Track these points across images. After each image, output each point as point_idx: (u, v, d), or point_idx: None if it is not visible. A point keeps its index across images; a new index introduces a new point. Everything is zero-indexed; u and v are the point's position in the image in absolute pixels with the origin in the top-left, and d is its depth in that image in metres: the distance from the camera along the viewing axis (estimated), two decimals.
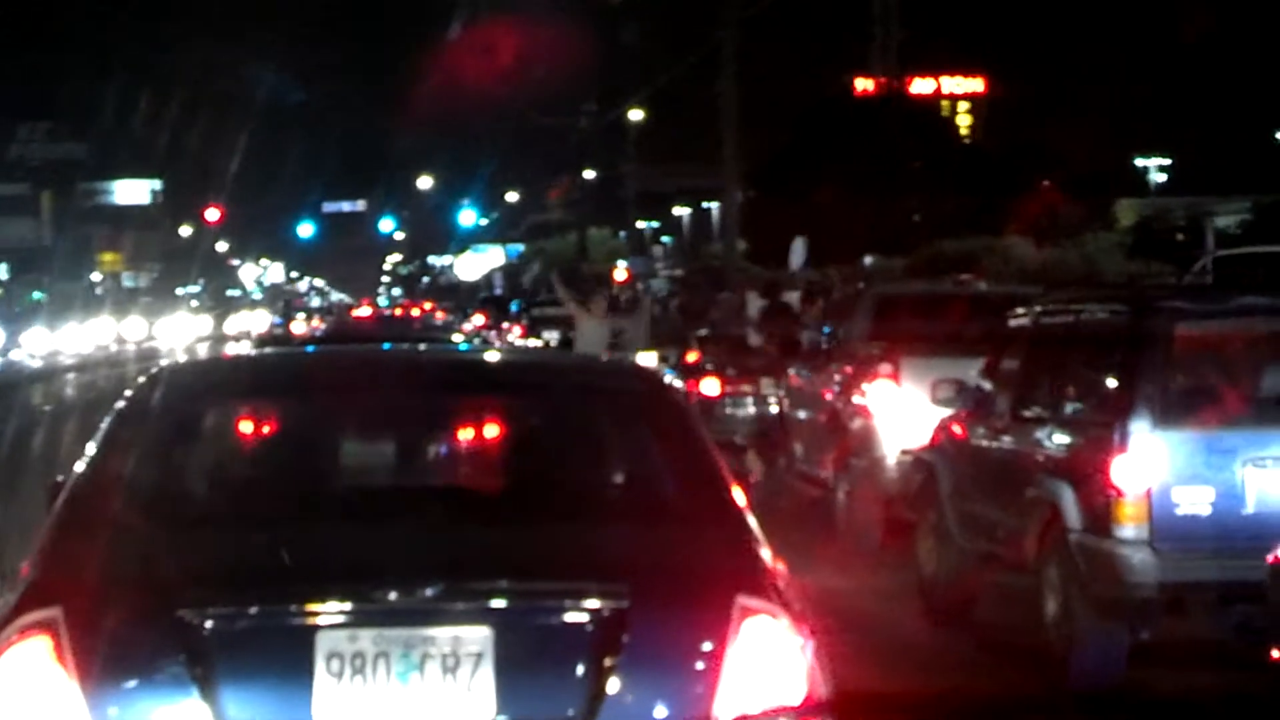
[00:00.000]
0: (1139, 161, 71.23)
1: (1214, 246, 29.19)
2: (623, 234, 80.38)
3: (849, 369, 16.17)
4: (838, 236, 51.89)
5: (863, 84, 69.75)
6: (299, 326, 64.35)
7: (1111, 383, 10.12)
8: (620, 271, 64.77)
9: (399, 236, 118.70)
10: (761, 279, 40.30)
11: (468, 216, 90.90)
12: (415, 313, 65.24)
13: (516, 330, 46.61)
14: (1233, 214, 62.25)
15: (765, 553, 5.72)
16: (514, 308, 57.31)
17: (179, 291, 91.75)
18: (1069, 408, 10.63)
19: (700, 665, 5.23)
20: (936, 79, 73.82)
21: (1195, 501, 9.66)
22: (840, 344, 17.02)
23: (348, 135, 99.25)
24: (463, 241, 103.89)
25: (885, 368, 14.96)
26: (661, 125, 77.98)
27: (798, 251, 35.39)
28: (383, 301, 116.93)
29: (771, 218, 54.93)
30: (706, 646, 5.25)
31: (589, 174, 78.05)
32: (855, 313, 17.07)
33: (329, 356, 8.35)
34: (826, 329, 17.89)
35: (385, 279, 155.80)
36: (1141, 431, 9.67)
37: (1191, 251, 44.63)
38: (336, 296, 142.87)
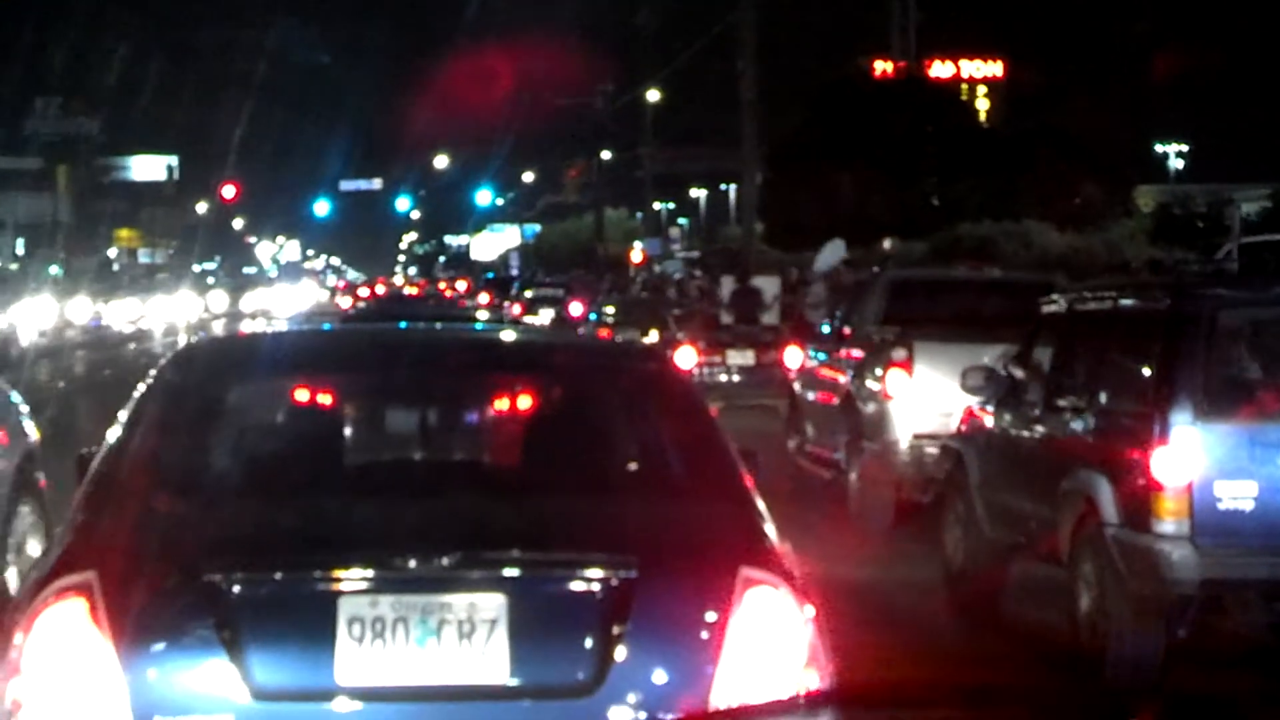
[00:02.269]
0: (1158, 148, 70.97)
1: (1240, 233, 29.02)
2: (639, 216, 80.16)
3: (862, 353, 16.20)
4: (856, 220, 51.73)
5: (881, 66, 69.58)
6: (344, 302, 65.05)
7: (1150, 372, 9.76)
8: (636, 253, 64.62)
9: (415, 215, 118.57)
10: (782, 263, 40.14)
11: (484, 196, 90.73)
12: (449, 292, 65.90)
13: (516, 308, 48.32)
14: (1253, 201, 62.09)
15: (769, 527, 5.93)
16: (516, 287, 59.80)
17: (195, 268, 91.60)
18: (1106, 398, 10.26)
19: (705, 634, 5.44)
20: (955, 62, 73.63)
21: (1238, 496, 9.31)
22: (853, 328, 17.07)
23: (365, 114, 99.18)
24: (479, 221, 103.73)
25: (899, 352, 14.93)
26: (679, 107, 77.79)
27: (832, 251, 34.75)
28: (397, 280, 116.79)
29: (789, 200, 54.77)
30: (711, 616, 5.46)
31: (605, 155, 77.78)
32: (868, 297, 17.14)
33: (353, 335, 8.64)
34: (837, 314, 18.13)
35: (401, 257, 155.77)
36: (1182, 423, 9.31)
37: (1214, 238, 44.39)
38: (353, 274, 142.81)
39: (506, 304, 52.17)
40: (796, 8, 64.53)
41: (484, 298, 57.99)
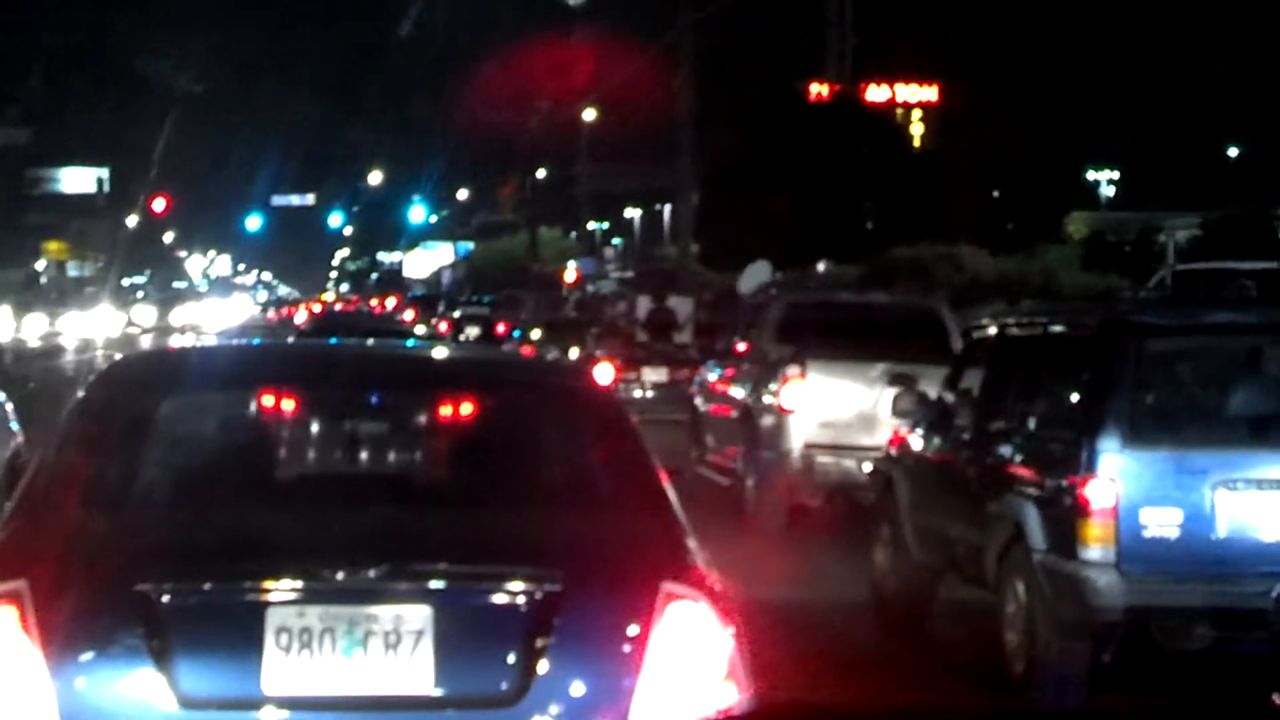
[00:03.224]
0: (1090, 175, 71.70)
1: (1175, 260, 29.60)
2: (573, 235, 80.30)
3: (758, 369, 17.44)
4: (791, 242, 51.98)
5: (817, 89, 69.83)
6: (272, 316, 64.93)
7: (1078, 399, 9.88)
8: (570, 273, 64.74)
9: (348, 231, 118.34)
10: (714, 284, 40.45)
11: (417, 213, 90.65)
12: (379, 309, 66.09)
13: (443, 325, 48.75)
14: (1183, 229, 62.77)
15: (691, 542, 6.05)
16: (443, 305, 60.56)
17: (125, 282, 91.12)
18: (1034, 423, 10.38)
19: (626, 647, 5.58)
20: (891, 86, 74.04)
21: (1164, 523, 9.43)
22: (751, 346, 18.39)
23: (298, 128, 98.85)
24: (412, 238, 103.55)
25: (793, 369, 16.17)
26: (615, 125, 77.94)
27: (755, 274, 35.21)
28: (328, 296, 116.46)
29: (725, 220, 54.66)
30: (632, 629, 5.60)
31: (541, 173, 77.88)
32: (765, 317, 18.51)
33: (282, 350, 8.95)
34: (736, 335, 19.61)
35: (334, 274, 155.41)
36: (1109, 450, 9.43)
37: (1147, 265, 44.80)
38: (284, 290, 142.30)
39: (433, 321, 52.53)
40: (734, 28, 64.74)
41: (409, 314, 58.38)
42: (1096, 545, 9.40)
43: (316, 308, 79.67)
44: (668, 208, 79.65)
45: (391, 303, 76.62)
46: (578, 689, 5.56)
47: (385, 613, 5.56)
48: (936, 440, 11.54)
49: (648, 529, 6.09)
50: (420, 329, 35.69)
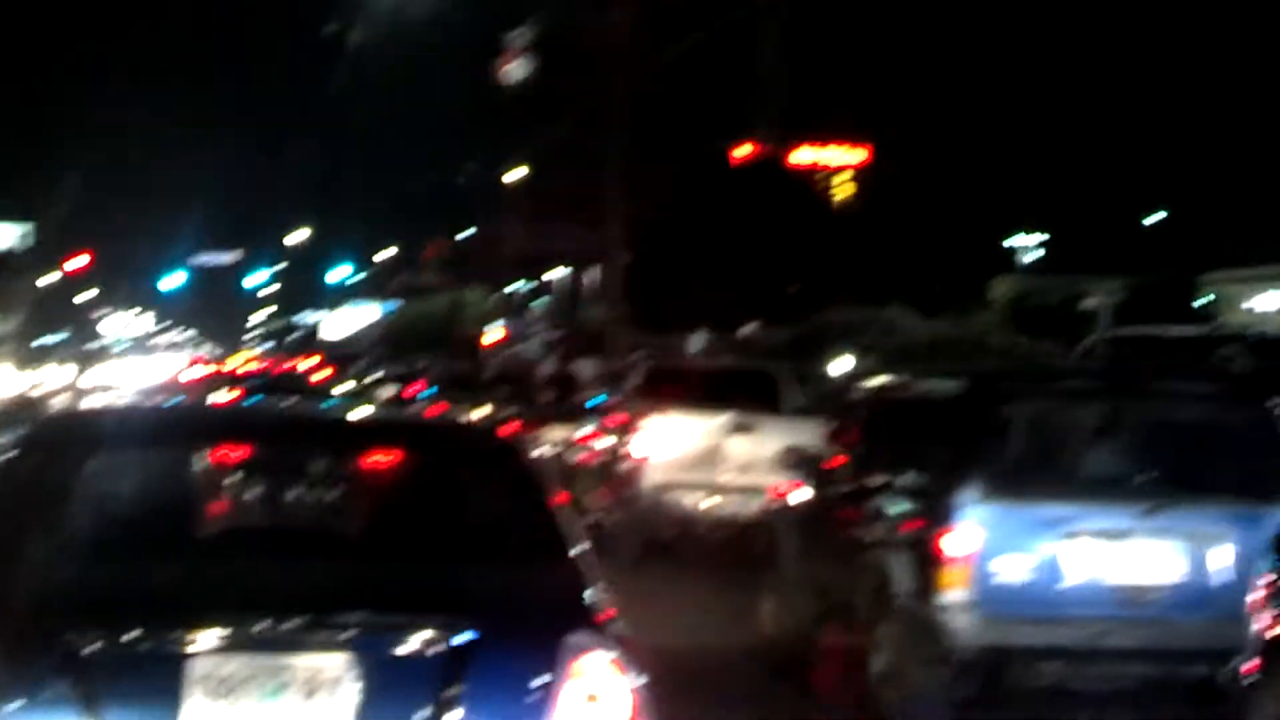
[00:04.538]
0: (1018, 239, 72.88)
1: (1110, 325, 30.94)
2: (494, 296, 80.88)
3: (621, 422, 20.01)
4: (719, 304, 52.76)
5: (742, 151, 70.72)
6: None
7: (943, 454, 10.92)
8: (495, 333, 65.25)
9: (271, 290, 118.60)
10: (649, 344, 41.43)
11: (341, 272, 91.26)
12: (294, 369, 66.54)
13: (352, 383, 49.91)
14: (1107, 294, 63.76)
15: (601, 595, 6.41)
16: (362, 365, 61.64)
17: (44, 341, 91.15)
18: (904, 477, 11.41)
19: (536, 696, 5.89)
20: (819, 147, 75.03)
21: (1016, 570, 10.45)
22: (616, 403, 21.29)
23: (223, 186, 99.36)
24: (336, 298, 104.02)
25: (644, 422, 19.16)
26: (542, 185, 78.53)
27: (697, 340, 39.01)
28: (239, 356, 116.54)
29: (653, 282, 55.83)
30: (543, 680, 5.91)
31: (466, 233, 78.59)
32: (630, 379, 21.64)
33: (205, 409, 9.21)
34: (603, 394, 23.00)
35: (257, 332, 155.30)
36: (968, 502, 10.46)
37: (1075, 329, 45.88)
38: (206, 348, 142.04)
39: (355, 381, 53.29)
40: (667, 89, 65.45)
41: (326, 373, 59.31)
42: (954, 590, 10.43)
43: (215, 368, 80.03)
44: (595, 269, 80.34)
45: (312, 362, 77.12)
46: None
47: (304, 662, 5.89)
48: (818, 492, 12.60)
49: (558, 581, 6.42)
50: (340, 388, 36.55)
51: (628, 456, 19.46)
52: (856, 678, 11.46)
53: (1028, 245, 74.66)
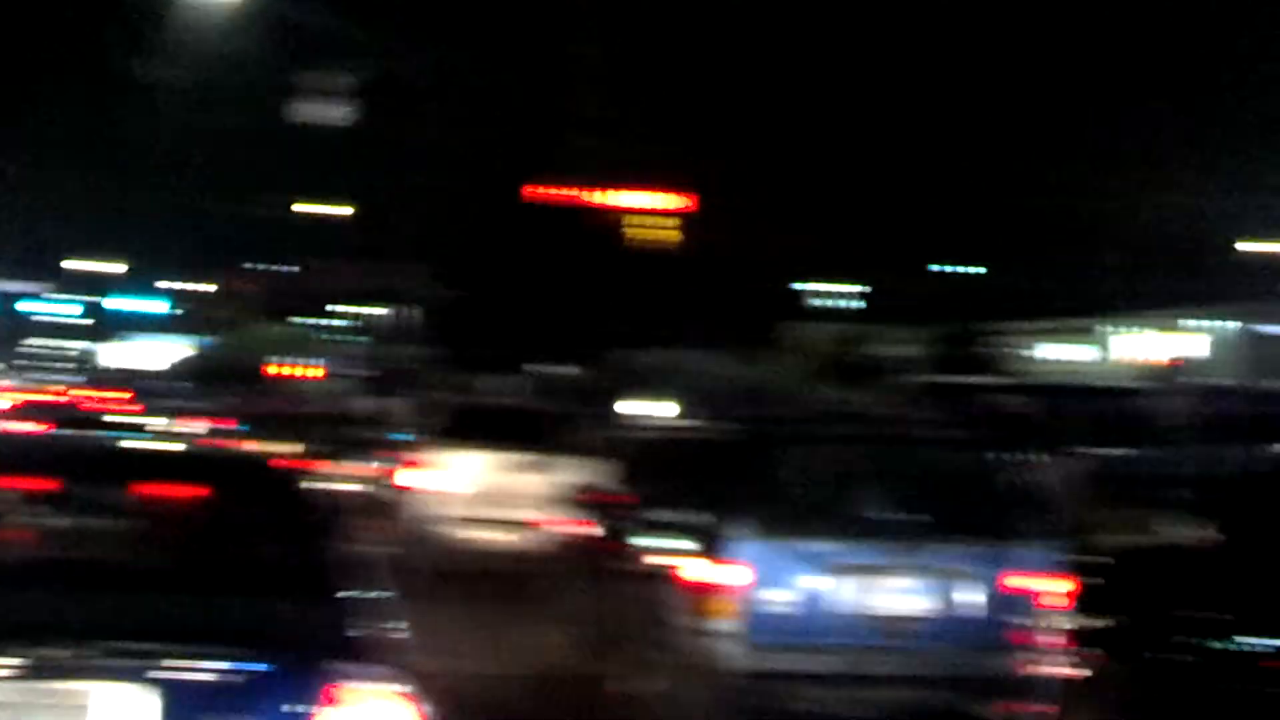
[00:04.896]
0: (821, 286, 74.51)
1: (931, 372, 32.43)
2: (311, 330, 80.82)
3: (414, 460, 22.15)
4: (533, 342, 53.50)
5: (545, 190, 71.21)
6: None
7: (718, 494, 11.82)
8: (313, 370, 65.27)
9: (84, 322, 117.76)
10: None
11: (153, 305, 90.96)
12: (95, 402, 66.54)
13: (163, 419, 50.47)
14: (900, 343, 65.43)
15: (385, 626, 6.80)
16: (170, 399, 62.61)
17: None
18: (682, 514, 12.31)
19: None
20: (636, 189, 75.59)
21: (782, 602, 11.36)
22: (414, 440, 23.07)
23: (31, 209, 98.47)
24: (148, 329, 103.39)
25: (421, 457, 21.43)
26: (359, 220, 78.81)
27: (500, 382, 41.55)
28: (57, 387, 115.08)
29: (466, 321, 56.62)
30: (324, 710, 6.21)
31: (281, 267, 78.69)
32: (426, 417, 24.07)
33: (9, 440, 9.87)
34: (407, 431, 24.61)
35: (68, 364, 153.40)
36: (739, 538, 11.36)
37: (870, 377, 47.04)
38: (9, 381, 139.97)
39: (170, 416, 53.83)
40: (477, 125, 65.88)
41: (133, 408, 60.12)
42: (726, 619, 11.31)
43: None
44: (411, 305, 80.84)
45: (119, 396, 76.86)
46: None
47: (97, 689, 6.13)
48: (604, 528, 13.48)
49: (343, 614, 6.70)
50: (151, 422, 36.94)
51: (422, 491, 20.89)
52: (642, 706, 12.29)
53: (834, 292, 76.25)
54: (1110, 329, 69.29)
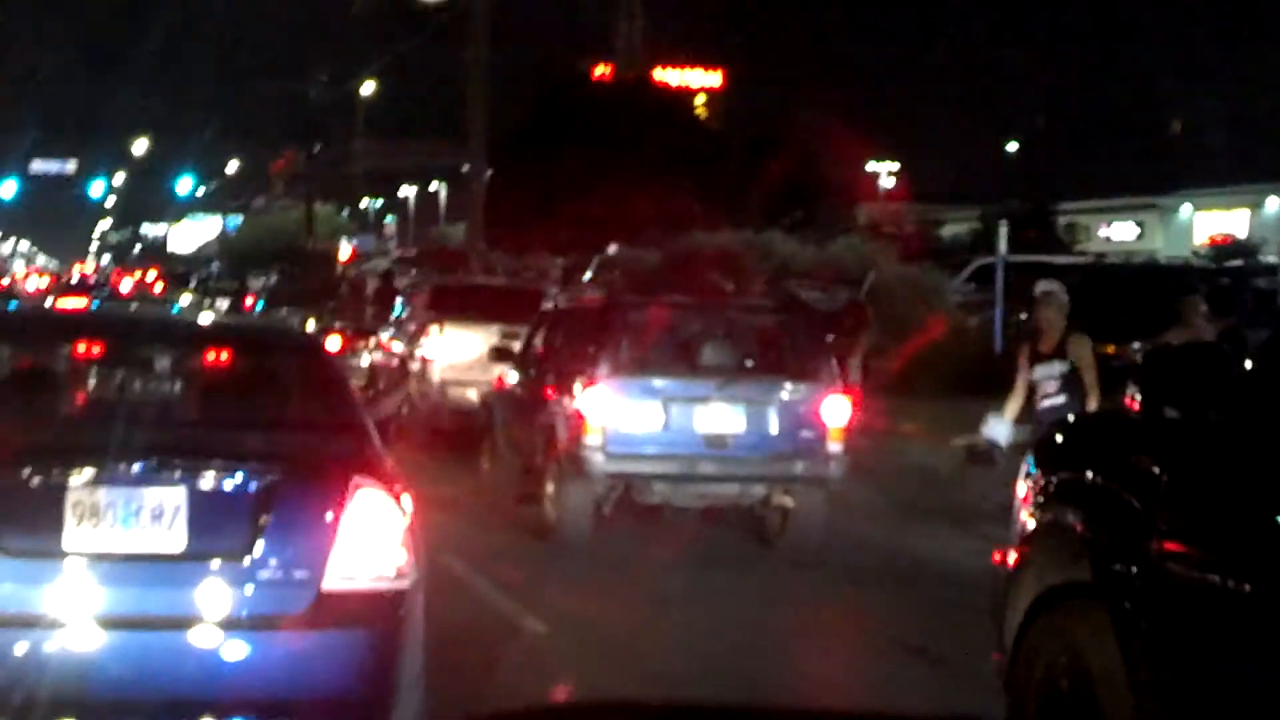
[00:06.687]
0: (872, 166, 78.23)
1: (1007, 252, 35.42)
2: (346, 211, 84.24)
3: (415, 330, 27.23)
4: (580, 224, 55.96)
5: (601, 69, 74.91)
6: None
7: (588, 347, 17.67)
8: (345, 250, 68.33)
9: (111, 201, 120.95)
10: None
11: (185, 184, 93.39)
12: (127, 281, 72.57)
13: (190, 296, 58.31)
14: (962, 222, 69.25)
15: (381, 453, 8.79)
16: (195, 279, 68.79)
17: None
18: (566, 363, 18.20)
19: (327, 519, 8.05)
20: (678, 69, 79.17)
21: (633, 423, 17.20)
22: (410, 315, 28.31)
23: (59, 90, 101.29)
24: (179, 210, 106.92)
25: (435, 329, 26.07)
26: (394, 100, 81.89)
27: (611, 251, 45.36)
28: (87, 267, 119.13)
29: (511, 200, 58.23)
30: (331, 507, 8.07)
31: (316, 147, 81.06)
32: (419, 294, 28.70)
33: (73, 314, 11.94)
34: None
35: (95, 245, 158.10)
36: (601, 378, 17.20)
37: (942, 257, 49.83)
38: (42, 260, 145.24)
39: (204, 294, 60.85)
40: (525, 7, 67.47)
41: (159, 287, 67.46)
42: (591, 436, 17.17)
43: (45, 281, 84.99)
44: (443, 186, 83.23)
45: (151, 276, 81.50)
46: (289, 549, 7.92)
47: (152, 493, 7.87)
48: (517, 378, 19.49)
49: (347, 442, 8.63)
50: (182, 299, 43.41)
51: (420, 360, 26.51)
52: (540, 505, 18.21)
53: (884, 172, 79.68)
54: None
